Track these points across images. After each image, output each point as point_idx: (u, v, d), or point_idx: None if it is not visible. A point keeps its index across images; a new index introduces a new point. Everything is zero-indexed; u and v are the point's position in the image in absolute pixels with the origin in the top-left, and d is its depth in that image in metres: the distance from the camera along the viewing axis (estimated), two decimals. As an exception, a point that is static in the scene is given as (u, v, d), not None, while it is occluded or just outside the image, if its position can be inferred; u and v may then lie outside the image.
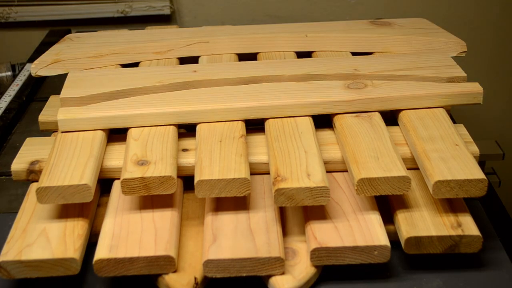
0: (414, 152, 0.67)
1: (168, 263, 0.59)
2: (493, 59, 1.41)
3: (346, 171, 0.69)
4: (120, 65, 0.87)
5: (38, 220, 0.64)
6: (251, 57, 0.89)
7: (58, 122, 0.70)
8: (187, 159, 0.68)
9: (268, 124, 0.71)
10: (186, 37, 0.90)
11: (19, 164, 0.70)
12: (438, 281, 0.61)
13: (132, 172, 0.63)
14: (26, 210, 0.66)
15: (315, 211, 0.64)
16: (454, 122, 0.74)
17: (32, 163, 0.69)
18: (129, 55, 0.88)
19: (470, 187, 0.61)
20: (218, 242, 0.60)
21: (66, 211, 0.65)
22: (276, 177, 0.62)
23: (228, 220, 0.63)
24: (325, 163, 0.67)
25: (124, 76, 0.78)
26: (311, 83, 0.76)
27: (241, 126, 0.71)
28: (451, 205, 0.64)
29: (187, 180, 0.69)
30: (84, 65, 0.85)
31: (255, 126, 0.74)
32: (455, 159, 0.63)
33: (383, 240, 0.60)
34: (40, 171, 0.69)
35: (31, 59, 1.12)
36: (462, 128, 0.73)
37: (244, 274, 0.59)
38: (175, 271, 0.60)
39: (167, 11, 1.32)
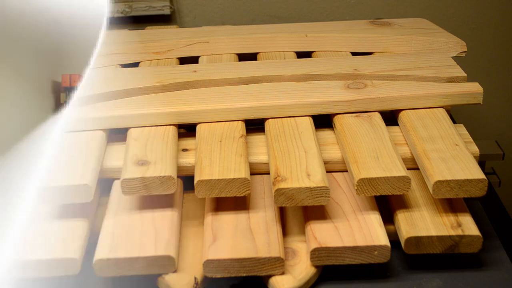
0: (414, 152, 0.67)
1: (168, 263, 0.59)
2: (493, 59, 1.41)
3: (346, 171, 0.69)
4: (120, 65, 0.87)
5: (38, 220, 0.64)
6: (251, 57, 0.89)
7: (58, 122, 0.70)
8: (187, 159, 0.68)
9: (268, 124, 0.71)
10: (186, 37, 0.90)
11: (19, 164, 0.70)
12: (438, 281, 0.61)
13: (132, 172, 0.62)
14: (26, 210, 0.66)
15: (315, 211, 0.64)
16: (454, 122, 0.74)
17: (32, 163, 0.69)
18: (129, 55, 0.88)
19: (470, 187, 0.61)
20: (218, 242, 0.60)
21: (66, 211, 0.65)
22: (276, 177, 0.62)
23: (228, 220, 0.63)
24: (325, 163, 0.67)
25: (124, 76, 0.78)
26: (311, 83, 0.76)
27: (241, 126, 0.70)
28: (451, 205, 0.64)
29: (187, 180, 0.69)
30: (84, 65, 0.85)
31: (255, 126, 0.74)
32: (455, 159, 0.63)
33: (383, 240, 0.60)
34: (40, 171, 0.69)
35: (31, 59, 1.12)
36: (462, 128, 0.73)
37: (244, 274, 0.59)
38: (175, 271, 0.60)
39: (167, 11, 1.32)
